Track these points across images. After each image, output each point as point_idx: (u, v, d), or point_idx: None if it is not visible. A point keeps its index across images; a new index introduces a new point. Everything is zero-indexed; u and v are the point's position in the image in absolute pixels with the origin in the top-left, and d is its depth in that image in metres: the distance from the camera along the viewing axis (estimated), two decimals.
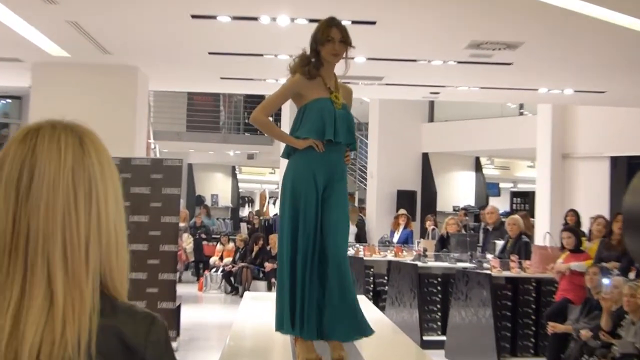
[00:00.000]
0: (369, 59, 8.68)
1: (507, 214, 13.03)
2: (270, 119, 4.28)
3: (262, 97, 20.65)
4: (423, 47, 8.50)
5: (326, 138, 3.98)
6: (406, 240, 12.94)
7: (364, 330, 4.00)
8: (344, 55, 4.07)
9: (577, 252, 8.83)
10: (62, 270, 1.23)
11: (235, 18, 7.24)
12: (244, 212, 24.19)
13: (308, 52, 4.09)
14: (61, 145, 1.29)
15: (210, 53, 8.77)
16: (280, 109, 18.86)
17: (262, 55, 8.90)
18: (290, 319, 3.99)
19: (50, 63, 9.26)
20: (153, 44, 8.57)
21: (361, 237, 14.35)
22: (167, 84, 12.32)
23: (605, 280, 7.66)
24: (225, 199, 22.94)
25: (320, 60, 4.07)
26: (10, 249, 1.22)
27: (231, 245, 16.65)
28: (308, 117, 4.05)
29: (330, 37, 4.03)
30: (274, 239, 15.41)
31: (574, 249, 8.83)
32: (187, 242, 16.71)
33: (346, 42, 4.05)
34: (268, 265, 15.14)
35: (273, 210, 22.41)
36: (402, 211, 13.99)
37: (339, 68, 4.16)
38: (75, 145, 1.31)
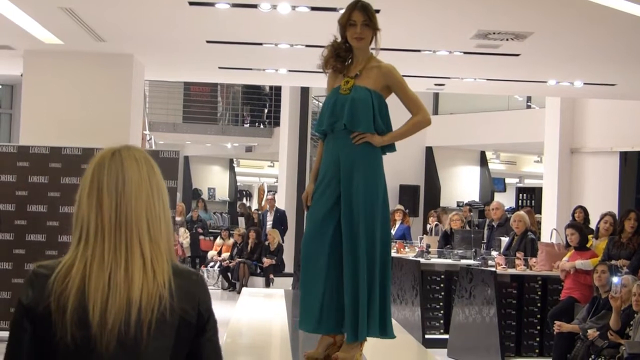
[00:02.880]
0: (372, 48, 8.52)
1: (512, 210, 12.94)
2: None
3: (259, 87, 20.72)
4: (428, 36, 8.41)
5: (316, 130, 3.99)
6: (403, 236, 12.90)
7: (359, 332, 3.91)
8: (371, 39, 3.96)
9: (582, 249, 8.79)
10: (147, 239, 1.92)
11: (234, 5, 7.12)
12: (253, 205, 23.91)
13: (339, 38, 4.01)
14: (138, 161, 1.97)
15: (208, 41, 8.67)
16: (279, 106, 18.72)
17: (261, 44, 8.83)
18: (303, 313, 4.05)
19: (43, 51, 9.15)
20: (149, 32, 8.48)
21: None
22: (163, 73, 12.28)
23: (615, 279, 7.56)
24: (223, 193, 22.80)
25: (349, 44, 3.98)
26: (115, 227, 1.91)
27: (231, 240, 16.51)
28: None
29: (352, 21, 3.91)
30: (272, 234, 15.29)
31: (579, 246, 8.78)
32: (183, 236, 16.58)
33: (370, 25, 3.88)
34: (266, 261, 15.02)
35: None
36: (398, 207, 14.01)
37: None
38: (146, 160, 2.00)
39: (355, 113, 3.91)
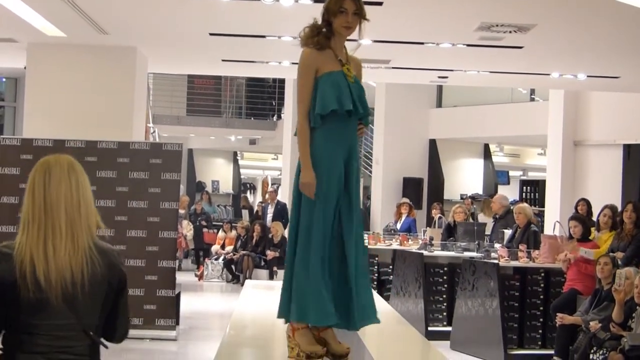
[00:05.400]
0: (375, 41, 8.55)
1: (516, 203, 12.88)
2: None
3: (264, 80, 20.72)
4: (431, 29, 8.40)
5: (345, 109, 3.80)
6: (409, 229, 12.92)
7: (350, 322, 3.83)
8: (357, 28, 3.87)
9: (584, 241, 8.77)
10: (66, 219, 2.69)
11: None
12: (257, 197, 23.84)
13: (320, 22, 3.91)
14: (60, 165, 2.74)
15: (211, 34, 8.67)
16: (283, 99, 18.69)
17: (264, 36, 8.82)
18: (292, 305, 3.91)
19: (46, 44, 9.17)
20: (152, 24, 8.49)
21: (365, 225, 14.21)
22: (166, 65, 12.28)
23: (621, 271, 7.54)
24: (227, 186, 22.80)
25: (331, 31, 3.89)
26: (44, 212, 2.68)
27: (234, 233, 16.51)
28: (323, 92, 3.83)
29: (343, 9, 3.85)
30: (275, 226, 15.30)
31: (582, 238, 8.77)
32: (187, 229, 16.59)
33: (360, 14, 3.86)
34: (270, 253, 15.04)
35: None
36: (404, 200, 14.01)
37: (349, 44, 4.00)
38: (68, 165, 2.75)
39: (364, 104, 3.91)
